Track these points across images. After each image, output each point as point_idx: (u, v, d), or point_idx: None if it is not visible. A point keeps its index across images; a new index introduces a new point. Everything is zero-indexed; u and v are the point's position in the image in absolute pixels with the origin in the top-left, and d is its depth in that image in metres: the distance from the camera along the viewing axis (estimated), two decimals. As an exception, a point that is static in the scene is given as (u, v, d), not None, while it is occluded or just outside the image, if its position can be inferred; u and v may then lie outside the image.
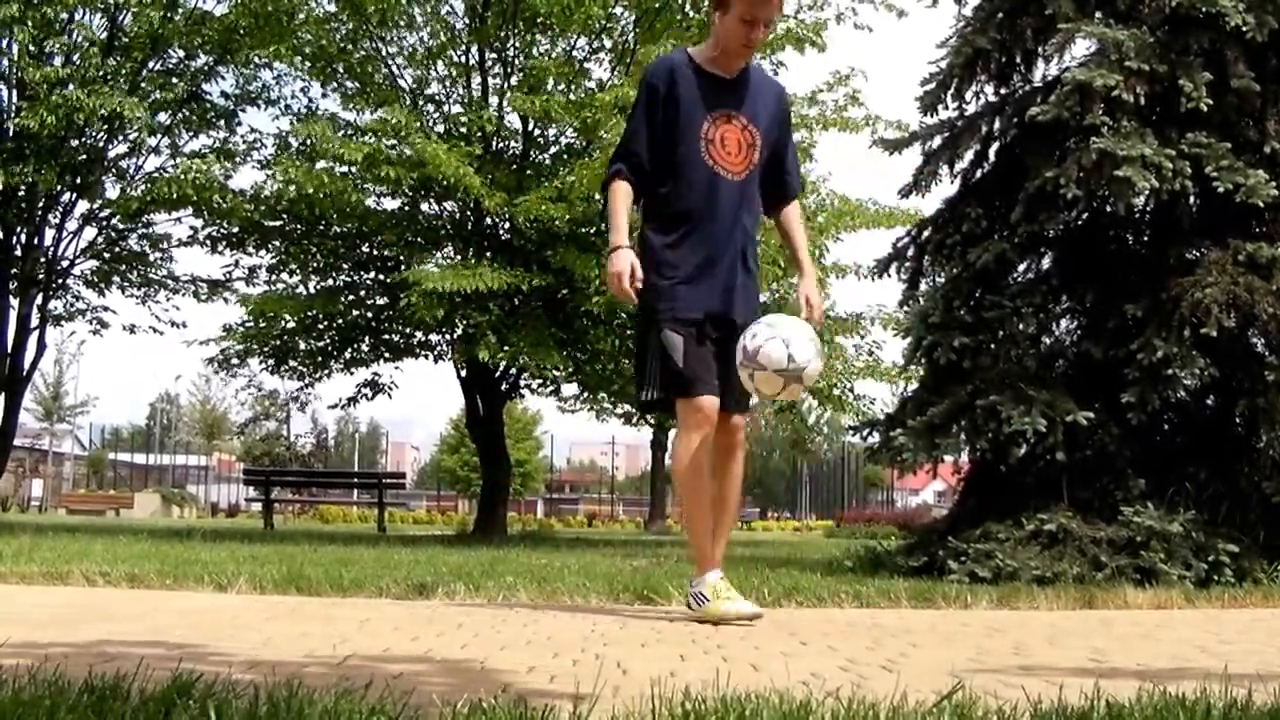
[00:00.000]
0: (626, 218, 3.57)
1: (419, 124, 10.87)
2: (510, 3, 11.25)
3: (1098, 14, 5.75)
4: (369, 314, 12.41)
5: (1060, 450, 5.19)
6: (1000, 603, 4.22)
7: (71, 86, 11.38)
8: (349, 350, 12.81)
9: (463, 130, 11.58)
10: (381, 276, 12.31)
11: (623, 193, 3.58)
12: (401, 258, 11.48)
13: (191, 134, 13.30)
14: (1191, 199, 5.49)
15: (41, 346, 13.58)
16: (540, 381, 13.24)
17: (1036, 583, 4.69)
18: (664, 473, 31.75)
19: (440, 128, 11.56)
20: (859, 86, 11.82)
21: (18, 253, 12.77)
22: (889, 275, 6.65)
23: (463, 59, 12.19)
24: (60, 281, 13.64)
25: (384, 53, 12.16)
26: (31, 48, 11.57)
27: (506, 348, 10.42)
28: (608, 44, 12.00)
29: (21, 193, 12.26)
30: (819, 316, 3.67)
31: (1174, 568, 4.84)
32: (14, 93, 12.23)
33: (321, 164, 10.97)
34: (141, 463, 48.29)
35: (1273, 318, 5.11)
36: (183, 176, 11.53)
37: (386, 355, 12.97)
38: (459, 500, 42.90)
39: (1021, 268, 6.06)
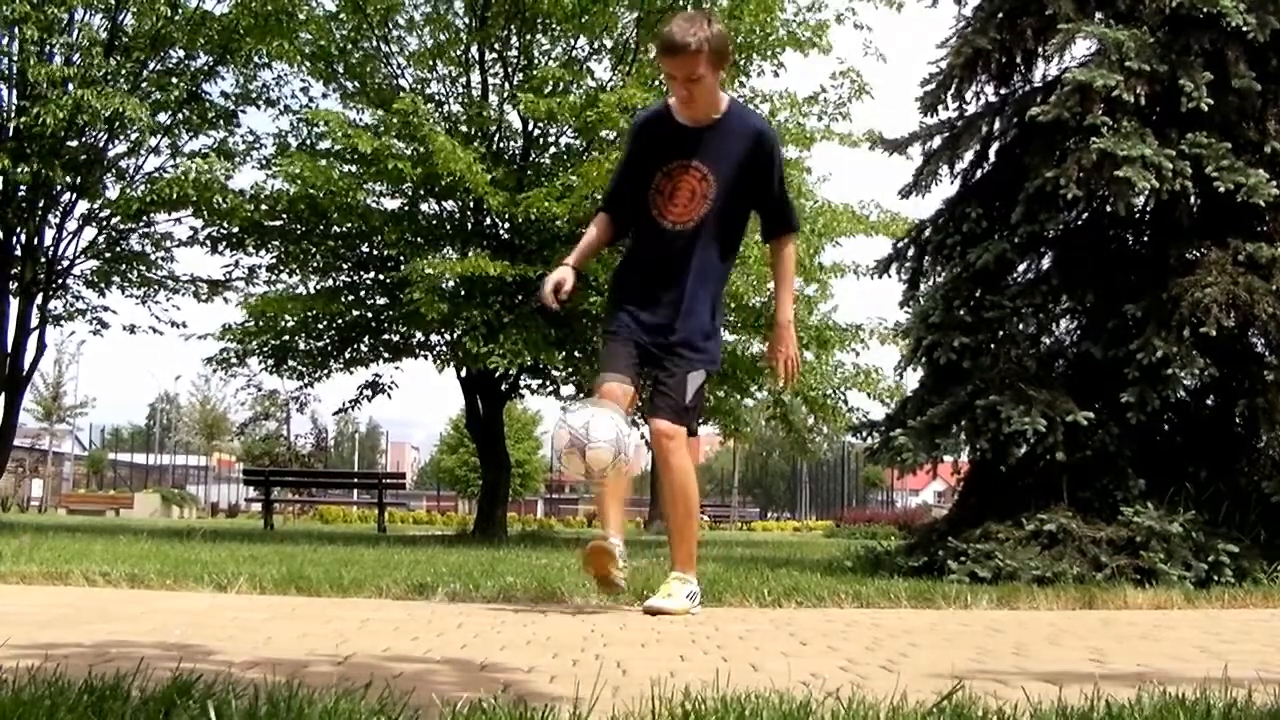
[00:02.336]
0: (586, 243, 3.91)
1: (428, 116, 10.87)
2: (511, 3, 11.26)
3: (1098, 14, 5.75)
4: (369, 314, 12.40)
5: (1060, 450, 5.19)
6: (1000, 603, 4.22)
7: (71, 86, 11.38)
8: (349, 350, 12.81)
9: (463, 130, 11.59)
10: (381, 276, 12.32)
11: (595, 224, 3.93)
12: (402, 257, 11.48)
13: (191, 134, 13.29)
14: (1191, 199, 5.49)
15: (41, 346, 13.57)
16: (540, 381, 13.24)
17: (1036, 583, 4.69)
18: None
19: (441, 127, 11.56)
20: (864, 82, 11.72)
21: (18, 253, 12.76)
22: (889, 275, 6.66)
23: (463, 58, 12.20)
24: (60, 281, 13.63)
25: (384, 52, 12.17)
26: (31, 47, 11.56)
27: (504, 348, 10.42)
28: (609, 44, 12.00)
29: (22, 192, 12.25)
30: (791, 374, 3.85)
31: (1174, 568, 4.84)
32: (14, 92, 12.23)
33: (324, 162, 10.97)
34: (141, 463, 48.27)
35: (1272, 318, 5.11)
36: (183, 176, 11.53)
37: (386, 355, 12.97)
38: (459, 500, 42.91)
39: (1021, 268, 6.06)
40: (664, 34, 3.62)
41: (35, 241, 12.84)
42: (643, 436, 4.51)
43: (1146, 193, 5.27)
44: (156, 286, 14.25)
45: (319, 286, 12.51)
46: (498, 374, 10.95)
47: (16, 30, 11.51)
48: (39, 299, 13.28)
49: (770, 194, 3.81)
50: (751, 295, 11.23)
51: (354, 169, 11.19)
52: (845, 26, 11.56)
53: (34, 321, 13.22)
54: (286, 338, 12.53)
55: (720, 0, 10.95)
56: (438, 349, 12.53)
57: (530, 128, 11.89)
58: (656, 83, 10.23)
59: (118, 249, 13.86)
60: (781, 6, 11.23)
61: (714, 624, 3.33)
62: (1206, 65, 5.35)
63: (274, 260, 12.77)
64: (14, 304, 12.87)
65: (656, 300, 3.76)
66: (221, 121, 13.21)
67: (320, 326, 12.40)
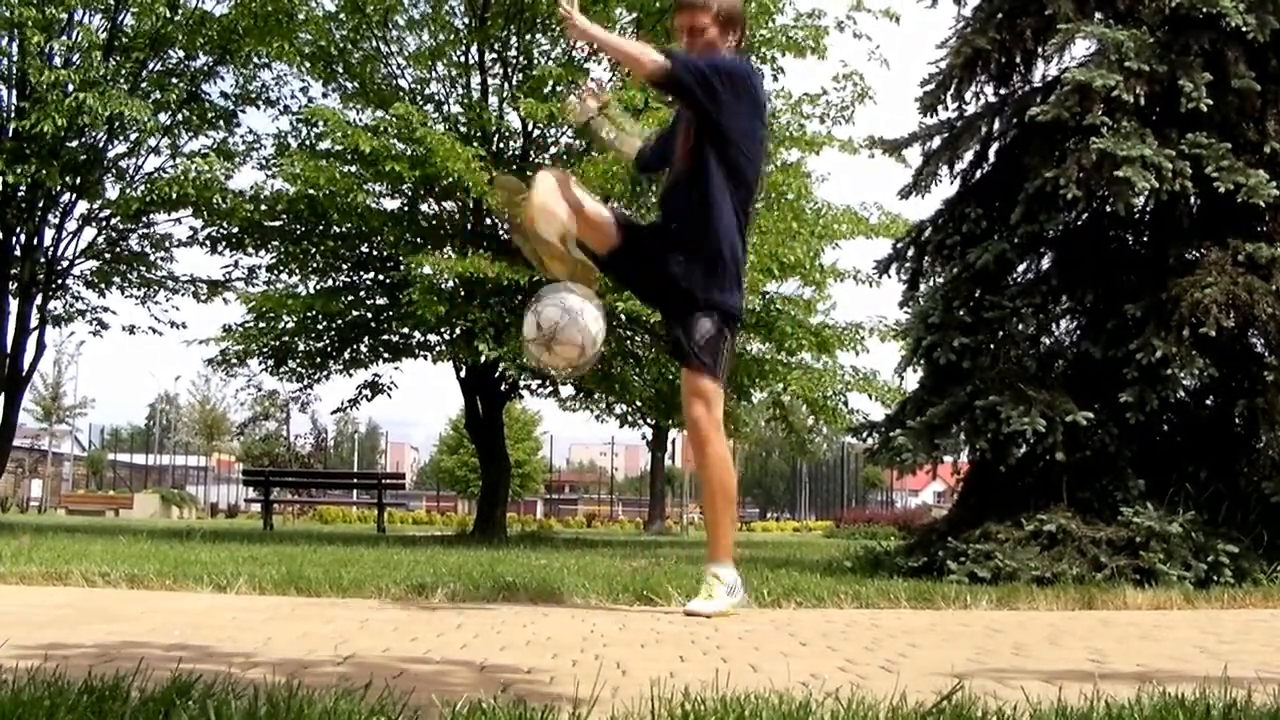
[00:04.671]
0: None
1: (424, 120, 10.87)
2: (511, 3, 11.25)
3: (1098, 14, 5.75)
4: (369, 314, 12.41)
5: (1060, 450, 5.19)
6: (1000, 603, 4.22)
7: (70, 88, 11.37)
8: (348, 351, 12.81)
9: (463, 130, 11.58)
10: (381, 276, 12.31)
11: None
12: (401, 257, 11.48)
13: (191, 134, 13.29)
14: (1191, 199, 5.49)
15: (41, 347, 13.56)
16: (539, 382, 13.23)
17: (1036, 583, 4.69)
18: (664, 473, 31.75)
19: (440, 128, 11.56)
20: (867, 86, 11.70)
21: (18, 253, 12.76)
22: (889, 276, 6.66)
23: (463, 59, 12.19)
24: (60, 282, 13.62)
25: (383, 52, 12.17)
26: (33, 48, 11.55)
27: (504, 349, 10.42)
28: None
29: (22, 193, 12.25)
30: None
31: (1173, 568, 4.84)
32: (14, 93, 12.22)
33: (323, 162, 10.97)
34: (141, 463, 48.28)
35: (1272, 318, 5.11)
36: (182, 176, 11.52)
37: (386, 355, 12.97)
38: (458, 501, 42.89)
39: (1021, 268, 6.06)
40: None
41: (35, 242, 12.84)
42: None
43: (1146, 193, 5.27)
44: (156, 287, 14.24)
45: (319, 286, 12.51)
46: (498, 374, 10.95)
47: (17, 33, 11.50)
48: (38, 299, 13.27)
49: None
50: (748, 300, 11.21)
51: (354, 169, 11.19)
52: (845, 35, 11.56)
53: (34, 322, 13.21)
54: (286, 338, 12.53)
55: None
56: (438, 349, 12.53)
57: (530, 128, 11.89)
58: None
59: (117, 249, 13.85)
60: (780, 9, 11.23)
61: (714, 624, 3.33)
62: (1206, 65, 5.35)
63: (274, 260, 12.77)
64: (13, 304, 12.86)
65: (662, 227, 3.99)
66: (221, 121, 13.21)
67: (320, 327, 12.40)
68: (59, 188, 12.14)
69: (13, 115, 11.97)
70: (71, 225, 13.20)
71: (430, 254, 10.71)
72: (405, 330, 12.24)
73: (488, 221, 11.65)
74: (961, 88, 6.24)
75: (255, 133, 14.32)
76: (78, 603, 3.57)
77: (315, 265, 12.62)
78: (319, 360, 12.84)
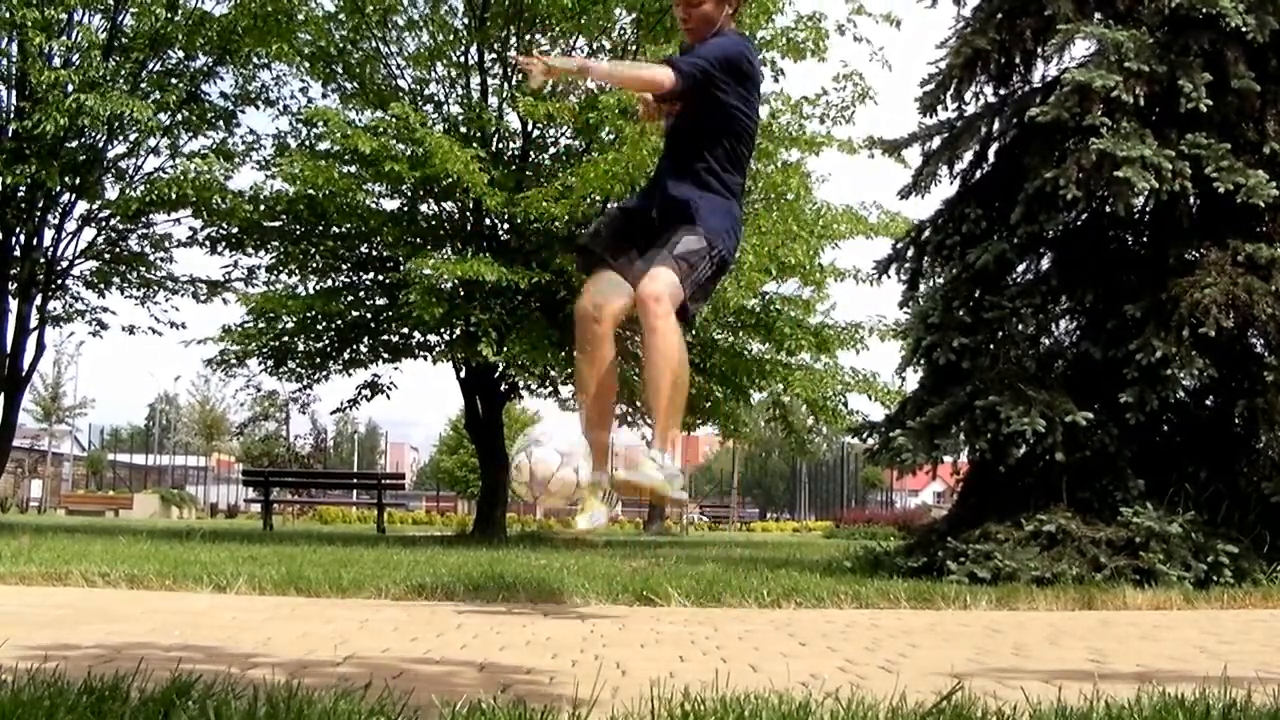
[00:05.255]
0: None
1: (423, 121, 10.87)
2: (511, 3, 11.25)
3: (1097, 15, 5.75)
4: (368, 314, 12.41)
5: (1059, 450, 5.19)
6: (1000, 603, 4.22)
7: (70, 88, 11.37)
8: (348, 351, 12.81)
9: (462, 130, 11.58)
10: (381, 277, 12.31)
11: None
12: (401, 258, 11.49)
13: (191, 134, 13.29)
14: (1191, 199, 5.49)
15: (41, 347, 13.56)
16: (539, 382, 13.24)
17: (1036, 583, 4.69)
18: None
19: (440, 128, 11.56)
20: (867, 86, 11.68)
21: (17, 253, 12.76)
22: (889, 276, 6.65)
23: (462, 59, 12.19)
24: (60, 282, 13.62)
25: (383, 53, 12.17)
26: (33, 48, 11.55)
27: (504, 349, 10.42)
28: (607, 45, 12.00)
29: (21, 193, 12.25)
30: (531, 64, 3.72)
31: (1173, 568, 4.84)
32: (14, 93, 12.22)
33: (323, 162, 10.97)
34: (140, 463, 48.26)
35: (1272, 318, 5.11)
36: (182, 177, 11.52)
37: (385, 356, 12.97)
38: (458, 501, 42.87)
39: (1021, 268, 6.06)
40: None
41: (34, 242, 12.84)
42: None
43: (1146, 193, 5.27)
44: (156, 287, 14.24)
45: (318, 287, 12.51)
46: (498, 375, 10.95)
47: (17, 34, 11.50)
48: (38, 299, 13.27)
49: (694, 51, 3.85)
50: (746, 297, 11.20)
51: (353, 169, 11.19)
52: (845, 38, 11.56)
53: (33, 322, 13.21)
54: (286, 339, 12.53)
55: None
56: (438, 349, 12.54)
57: (529, 128, 11.89)
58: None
59: (117, 249, 13.85)
60: (780, 9, 11.22)
61: (714, 624, 3.33)
62: (1206, 66, 5.35)
63: (274, 260, 12.78)
64: (13, 304, 12.86)
65: (660, 178, 3.93)
66: (221, 122, 13.21)
67: (319, 327, 12.41)
68: (59, 188, 12.14)
69: (13, 115, 11.97)
70: (71, 225, 13.21)
71: (430, 255, 10.72)
72: (405, 330, 12.24)
73: (487, 222, 11.65)
74: (961, 88, 6.24)
75: (255, 133, 14.36)
76: (78, 603, 3.57)
77: (315, 265, 12.62)
78: (319, 360, 12.84)
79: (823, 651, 2.69)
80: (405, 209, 12.13)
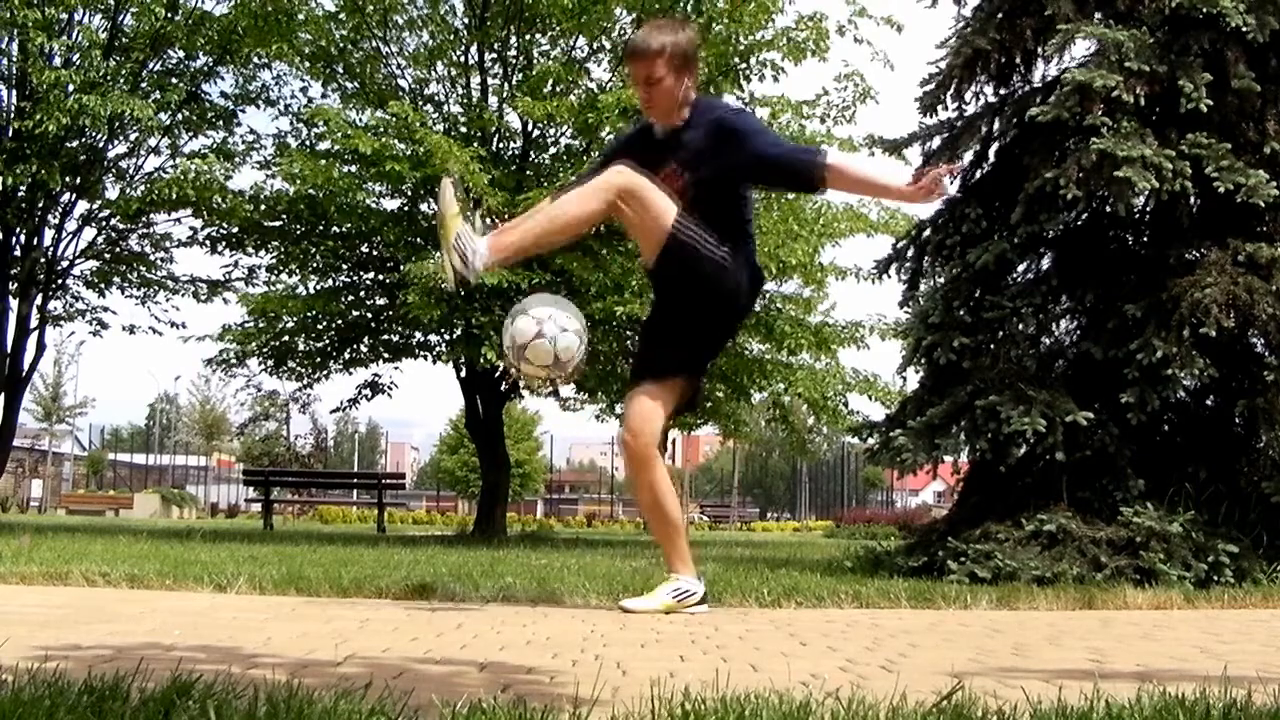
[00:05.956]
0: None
1: (423, 121, 10.87)
2: (511, 3, 11.25)
3: (1097, 14, 5.75)
4: (369, 314, 12.41)
5: (1060, 450, 5.19)
6: (1000, 603, 4.22)
7: (71, 88, 11.38)
8: (348, 351, 12.81)
9: (463, 130, 11.58)
10: (381, 277, 12.31)
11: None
12: (401, 258, 11.48)
13: (191, 134, 13.30)
14: (1191, 199, 5.49)
15: (41, 347, 13.58)
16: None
17: (1036, 583, 4.69)
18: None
19: (440, 128, 11.56)
20: (868, 86, 11.67)
21: (17, 253, 12.77)
22: (889, 276, 6.65)
23: (462, 59, 12.19)
24: (60, 282, 13.64)
25: (384, 52, 12.17)
26: (34, 48, 11.57)
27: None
28: (607, 45, 12.00)
29: (22, 192, 12.26)
30: (938, 179, 3.70)
31: (1173, 568, 4.84)
32: (14, 93, 12.23)
33: (323, 162, 10.97)
34: (141, 463, 48.30)
35: (1272, 318, 5.11)
36: (182, 176, 11.53)
37: (386, 355, 12.97)
38: (458, 501, 42.91)
39: (1021, 268, 6.06)
40: (629, 39, 3.75)
41: (35, 242, 12.85)
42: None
43: (1146, 193, 5.27)
44: (156, 287, 14.26)
45: (319, 287, 12.51)
46: (498, 374, 10.95)
47: (17, 34, 11.51)
48: (38, 299, 13.29)
49: (763, 161, 3.78)
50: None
51: (354, 169, 11.19)
52: (846, 39, 11.55)
53: (34, 322, 13.22)
54: (286, 338, 12.53)
55: (718, 2, 10.94)
56: (438, 349, 12.54)
57: (530, 128, 11.88)
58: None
59: (117, 249, 13.87)
60: (780, 9, 11.22)
61: (714, 624, 3.33)
62: (1206, 66, 5.35)
63: (274, 260, 12.78)
64: (13, 304, 12.87)
65: None
66: (221, 121, 13.22)
67: (320, 327, 12.41)
68: (59, 188, 12.16)
69: (13, 115, 11.98)
70: (71, 225, 13.23)
71: (430, 255, 10.70)
72: (405, 330, 12.24)
73: (487, 223, 11.62)
74: (961, 88, 6.24)
75: (255, 133, 14.35)
76: (78, 603, 3.57)
77: (315, 265, 12.62)
78: (319, 360, 12.85)
79: (823, 651, 2.69)
80: (406, 208, 12.13)
